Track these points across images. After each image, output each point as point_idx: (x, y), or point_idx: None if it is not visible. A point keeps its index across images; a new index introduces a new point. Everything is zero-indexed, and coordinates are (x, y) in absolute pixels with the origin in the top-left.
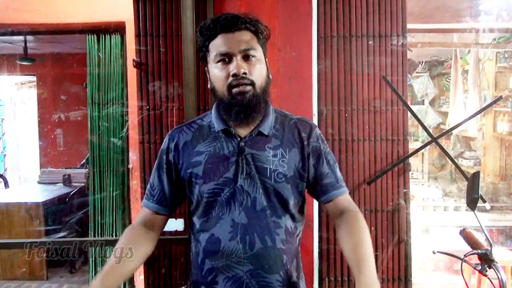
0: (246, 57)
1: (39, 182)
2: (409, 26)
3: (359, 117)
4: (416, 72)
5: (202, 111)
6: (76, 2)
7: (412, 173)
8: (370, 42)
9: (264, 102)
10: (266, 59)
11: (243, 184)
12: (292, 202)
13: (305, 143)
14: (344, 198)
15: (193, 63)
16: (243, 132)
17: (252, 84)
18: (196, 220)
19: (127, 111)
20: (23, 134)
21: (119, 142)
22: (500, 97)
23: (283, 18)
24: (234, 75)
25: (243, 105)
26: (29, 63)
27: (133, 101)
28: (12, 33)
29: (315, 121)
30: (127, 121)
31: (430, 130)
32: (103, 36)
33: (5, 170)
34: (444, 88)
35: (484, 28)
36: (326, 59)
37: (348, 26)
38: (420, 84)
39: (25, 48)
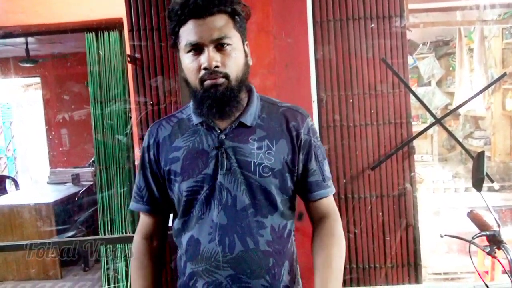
0: (220, 46)
1: (48, 183)
2: (411, 6)
3: (360, 102)
4: (422, 53)
5: None
6: (72, 0)
7: (422, 156)
8: (372, 25)
9: (247, 92)
10: (246, 42)
11: (223, 180)
12: (280, 199)
13: (294, 133)
14: (327, 200)
15: None
16: (223, 124)
17: (226, 76)
18: (177, 221)
19: (130, 108)
20: (32, 136)
21: (124, 139)
22: (504, 74)
23: (277, 4)
24: (206, 68)
25: (216, 98)
26: (31, 65)
27: (135, 97)
28: (11, 36)
29: (315, 108)
30: (131, 117)
31: (438, 111)
32: (102, 34)
33: (16, 172)
34: (451, 68)
35: (485, 5)
36: (323, 44)
37: (344, 9)
38: (426, 65)
39: (27, 50)
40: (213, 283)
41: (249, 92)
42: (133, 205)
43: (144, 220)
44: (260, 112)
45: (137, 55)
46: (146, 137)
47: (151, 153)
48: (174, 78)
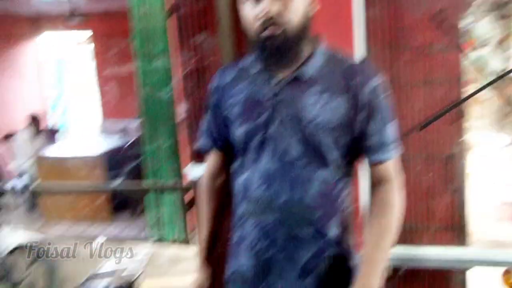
0: None
1: (99, 134)
2: None
3: (408, 61)
4: (480, 13)
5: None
6: None
7: (476, 121)
8: None
9: (312, 42)
10: None
11: (275, 130)
12: (334, 155)
13: (355, 91)
14: (387, 165)
15: (228, 7)
16: (281, 74)
17: (283, 25)
18: (235, 162)
19: (172, 64)
20: (84, 89)
21: (168, 94)
22: None
23: None
24: (262, 17)
25: (272, 50)
26: (79, 21)
27: (176, 53)
28: None
29: None
30: (173, 74)
31: (495, 76)
32: None
33: (69, 123)
34: None
35: None
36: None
37: None
38: (484, 27)
39: (73, 6)
40: (260, 225)
41: (314, 43)
42: (200, 142)
43: (210, 159)
44: (323, 66)
45: (179, 10)
46: (211, 82)
47: (215, 97)
48: (216, 34)
